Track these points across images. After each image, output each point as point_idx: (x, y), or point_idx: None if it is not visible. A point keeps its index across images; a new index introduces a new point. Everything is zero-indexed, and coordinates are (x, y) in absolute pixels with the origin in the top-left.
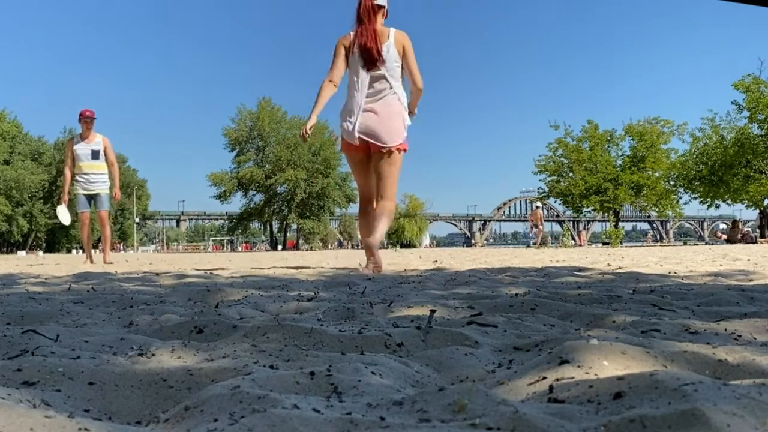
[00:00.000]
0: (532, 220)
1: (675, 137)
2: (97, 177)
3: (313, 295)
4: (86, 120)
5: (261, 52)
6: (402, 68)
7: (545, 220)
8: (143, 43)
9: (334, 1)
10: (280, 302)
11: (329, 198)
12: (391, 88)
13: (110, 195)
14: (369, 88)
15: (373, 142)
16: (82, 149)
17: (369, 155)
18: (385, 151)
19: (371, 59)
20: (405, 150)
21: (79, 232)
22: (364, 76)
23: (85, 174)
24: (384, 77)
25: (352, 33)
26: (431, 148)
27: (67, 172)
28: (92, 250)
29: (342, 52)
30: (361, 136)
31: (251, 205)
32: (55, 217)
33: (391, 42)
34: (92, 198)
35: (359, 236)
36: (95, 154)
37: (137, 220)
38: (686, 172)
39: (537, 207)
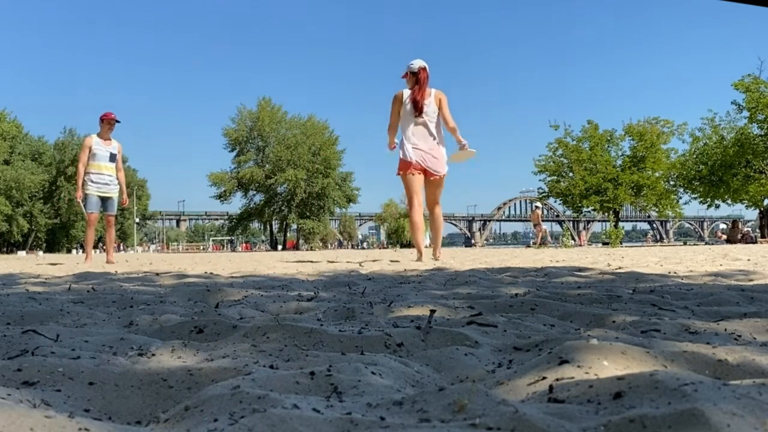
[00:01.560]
0: (533, 221)
1: (675, 137)
2: (111, 180)
3: (313, 295)
4: (110, 122)
5: (261, 52)
6: (438, 115)
7: (544, 220)
8: (143, 43)
9: (335, 2)
10: (280, 302)
11: (329, 198)
12: (431, 132)
13: (119, 199)
14: (419, 131)
15: (431, 171)
16: (100, 150)
17: (423, 176)
18: (437, 177)
19: (418, 109)
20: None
21: (79, 232)
22: (414, 122)
23: (101, 175)
24: (427, 124)
25: (404, 90)
26: None
27: (81, 168)
28: (92, 251)
29: (397, 104)
30: (421, 164)
31: (251, 205)
32: (56, 216)
33: (432, 99)
34: (104, 200)
35: (412, 235)
36: (112, 158)
37: (137, 220)
38: (686, 172)
39: (536, 207)
